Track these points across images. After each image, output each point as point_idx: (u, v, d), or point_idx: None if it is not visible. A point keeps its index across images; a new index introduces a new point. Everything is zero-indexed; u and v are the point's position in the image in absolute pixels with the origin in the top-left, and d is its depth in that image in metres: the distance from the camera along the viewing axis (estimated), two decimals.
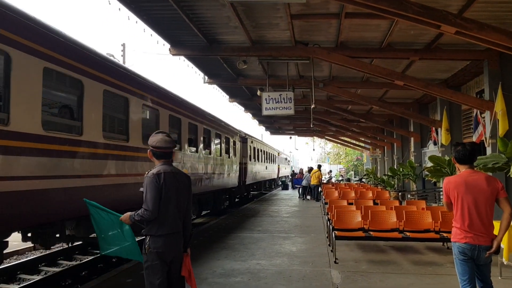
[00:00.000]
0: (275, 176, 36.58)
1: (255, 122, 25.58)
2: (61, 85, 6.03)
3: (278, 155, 39.03)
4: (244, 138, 20.16)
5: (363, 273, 6.42)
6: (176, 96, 10.14)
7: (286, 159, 51.05)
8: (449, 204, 3.97)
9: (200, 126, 11.81)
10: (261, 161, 26.30)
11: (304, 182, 22.32)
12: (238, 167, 17.72)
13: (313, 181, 21.13)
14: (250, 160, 21.22)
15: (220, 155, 14.59)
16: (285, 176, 45.31)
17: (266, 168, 28.95)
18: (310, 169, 23.27)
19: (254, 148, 22.94)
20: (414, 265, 6.90)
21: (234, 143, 17.25)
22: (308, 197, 22.23)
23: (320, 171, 22.34)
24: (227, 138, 15.79)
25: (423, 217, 7.93)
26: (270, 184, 35.53)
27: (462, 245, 3.78)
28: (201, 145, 11.83)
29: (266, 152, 29.35)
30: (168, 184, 3.61)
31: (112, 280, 6.13)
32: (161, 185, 3.57)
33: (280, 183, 40.04)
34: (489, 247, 3.72)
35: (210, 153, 12.85)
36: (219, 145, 14.55)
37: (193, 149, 11.16)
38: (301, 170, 29.76)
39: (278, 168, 38.53)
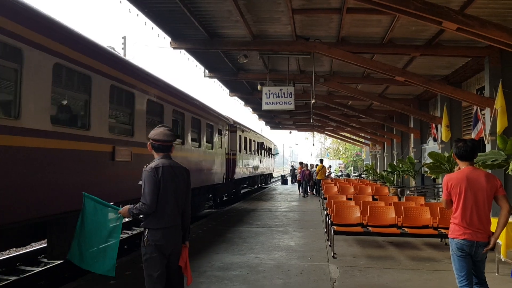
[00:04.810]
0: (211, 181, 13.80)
1: (255, 116, 25.57)
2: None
3: (226, 129, 15.92)
4: None
5: (361, 268, 6.46)
6: None
7: (262, 144, 27.93)
8: (448, 202, 3.94)
9: None
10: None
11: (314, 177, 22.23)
12: None
13: (320, 176, 21.20)
14: None
15: None
16: (262, 176, 30.23)
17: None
18: (306, 165, 23.30)
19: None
20: (412, 261, 6.93)
21: None
22: (308, 192, 22.31)
23: (324, 166, 22.43)
24: None
25: (421, 213, 7.95)
26: None
27: (460, 241, 3.80)
28: None
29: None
30: (166, 177, 3.63)
31: None
32: (159, 179, 3.59)
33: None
34: (486, 243, 3.75)
35: None
36: None
37: None
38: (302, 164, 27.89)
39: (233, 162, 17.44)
